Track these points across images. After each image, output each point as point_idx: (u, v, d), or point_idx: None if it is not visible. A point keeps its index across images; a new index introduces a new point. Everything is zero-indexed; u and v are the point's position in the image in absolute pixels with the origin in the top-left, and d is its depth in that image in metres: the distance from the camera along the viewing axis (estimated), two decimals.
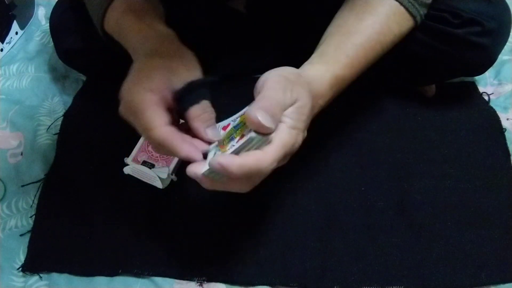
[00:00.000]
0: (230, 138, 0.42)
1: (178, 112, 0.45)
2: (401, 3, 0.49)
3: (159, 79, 0.43)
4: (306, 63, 0.48)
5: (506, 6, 0.58)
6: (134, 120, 0.42)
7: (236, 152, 0.39)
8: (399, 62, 0.60)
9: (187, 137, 0.43)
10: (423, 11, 0.51)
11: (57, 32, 0.69)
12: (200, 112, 0.43)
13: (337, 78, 0.47)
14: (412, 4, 0.49)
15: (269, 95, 0.39)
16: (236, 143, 0.40)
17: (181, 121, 0.46)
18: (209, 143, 0.44)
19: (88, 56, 0.68)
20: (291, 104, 0.40)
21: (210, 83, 0.45)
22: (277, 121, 0.38)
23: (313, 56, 0.48)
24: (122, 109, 0.43)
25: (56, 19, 0.69)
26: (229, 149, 0.40)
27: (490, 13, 0.56)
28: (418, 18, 0.51)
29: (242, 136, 0.40)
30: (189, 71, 0.45)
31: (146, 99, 0.41)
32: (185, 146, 0.41)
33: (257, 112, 0.36)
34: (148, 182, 0.60)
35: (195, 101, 0.43)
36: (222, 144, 0.43)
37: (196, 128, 0.43)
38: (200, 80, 0.44)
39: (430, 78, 0.69)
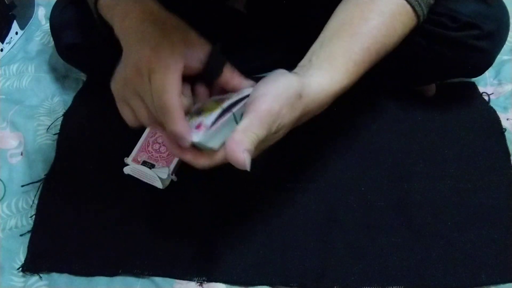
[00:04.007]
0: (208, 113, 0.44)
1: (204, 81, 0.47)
2: (408, 1, 0.47)
3: (180, 50, 0.44)
4: (315, 67, 0.46)
5: (504, 7, 0.58)
6: (143, 80, 0.42)
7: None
8: (397, 63, 0.59)
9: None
10: (426, 11, 0.50)
11: (57, 28, 0.69)
12: (232, 70, 0.46)
13: (342, 89, 0.46)
14: (418, 2, 0.48)
15: (257, 128, 0.40)
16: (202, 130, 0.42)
17: None
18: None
19: (88, 52, 0.68)
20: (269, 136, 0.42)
21: (223, 47, 0.46)
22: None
23: (322, 58, 0.46)
24: (129, 70, 0.43)
25: (56, 16, 0.69)
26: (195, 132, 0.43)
27: (488, 15, 0.55)
28: (422, 18, 0.50)
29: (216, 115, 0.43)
30: (201, 43, 0.46)
31: (171, 65, 0.42)
32: (183, 123, 0.42)
33: (243, 154, 0.38)
34: (148, 182, 0.60)
35: (223, 63, 0.46)
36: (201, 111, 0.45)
37: (237, 83, 0.46)
38: (218, 45, 0.46)
39: (427, 79, 0.69)
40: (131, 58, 0.44)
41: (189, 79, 0.46)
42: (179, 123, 0.41)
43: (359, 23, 0.47)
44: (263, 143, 0.42)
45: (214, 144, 0.43)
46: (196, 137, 0.41)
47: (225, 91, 0.47)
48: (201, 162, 0.43)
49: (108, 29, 0.50)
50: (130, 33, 0.46)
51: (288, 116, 0.42)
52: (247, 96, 0.44)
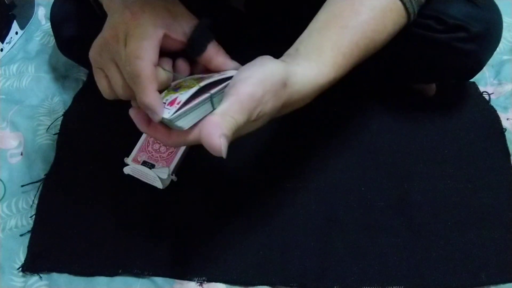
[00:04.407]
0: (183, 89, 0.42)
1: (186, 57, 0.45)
2: None
3: (163, 19, 0.42)
4: (302, 57, 0.44)
5: (495, 9, 0.56)
6: (118, 45, 0.41)
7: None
8: (385, 62, 0.58)
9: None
10: (417, 9, 0.49)
11: (57, 22, 0.68)
12: (218, 48, 0.44)
13: (329, 82, 0.45)
14: (410, 0, 0.47)
15: (237, 112, 0.37)
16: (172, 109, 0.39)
17: None
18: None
19: (88, 46, 0.68)
20: (249, 122, 0.39)
21: (211, 24, 0.45)
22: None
23: (311, 48, 0.45)
24: (106, 32, 0.42)
25: (56, 10, 0.69)
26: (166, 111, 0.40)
27: (477, 17, 0.54)
28: (412, 16, 0.49)
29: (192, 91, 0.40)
30: (188, 17, 0.45)
31: (149, 31, 0.40)
32: (155, 95, 0.40)
33: (219, 140, 0.35)
34: (148, 182, 0.60)
35: (209, 39, 0.44)
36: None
37: (220, 63, 0.44)
38: (206, 20, 0.44)
39: (418, 80, 0.68)
40: (110, 21, 0.42)
41: (173, 55, 0.44)
42: (150, 94, 0.39)
43: (349, 16, 0.46)
44: (240, 130, 0.40)
45: (184, 123, 0.39)
46: (167, 113, 0.39)
47: (209, 71, 0.45)
48: (170, 141, 0.41)
49: (104, 13, 0.49)
50: (115, 1, 0.44)
51: (270, 104, 0.39)
52: (229, 78, 0.41)
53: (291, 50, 0.46)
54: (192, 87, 0.41)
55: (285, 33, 0.70)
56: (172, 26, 0.43)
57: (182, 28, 0.44)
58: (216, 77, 0.42)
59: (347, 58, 0.45)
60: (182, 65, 0.46)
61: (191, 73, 0.46)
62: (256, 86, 0.38)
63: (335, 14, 0.46)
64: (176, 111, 0.39)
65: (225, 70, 0.44)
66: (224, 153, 0.36)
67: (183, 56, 0.45)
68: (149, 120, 0.41)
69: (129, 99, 0.43)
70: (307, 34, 0.46)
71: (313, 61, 0.44)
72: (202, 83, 0.41)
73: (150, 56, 0.40)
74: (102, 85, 0.44)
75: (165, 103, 0.40)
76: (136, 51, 0.40)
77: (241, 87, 0.38)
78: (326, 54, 0.44)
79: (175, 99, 0.40)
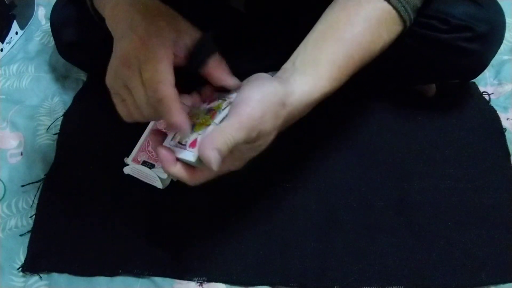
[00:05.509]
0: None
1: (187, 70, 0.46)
2: (394, 7, 0.47)
3: (169, 38, 0.43)
4: (299, 72, 0.45)
5: (498, 9, 0.57)
6: (130, 71, 0.41)
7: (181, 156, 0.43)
8: (388, 65, 0.58)
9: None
10: (413, 15, 0.49)
11: (57, 26, 0.69)
12: (219, 62, 0.45)
13: (325, 95, 0.46)
14: (405, 8, 0.47)
15: (235, 130, 0.39)
16: (187, 147, 0.43)
17: None
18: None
19: (88, 50, 0.68)
20: (250, 142, 0.41)
21: (215, 37, 0.46)
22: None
23: (307, 62, 0.46)
24: (118, 58, 0.43)
25: (56, 14, 0.69)
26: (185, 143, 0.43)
27: (481, 17, 0.54)
28: (408, 23, 0.49)
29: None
30: (191, 31, 0.45)
31: (160, 53, 0.41)
32: (181, 114, 0.41)
33: (212, 152, 0.38)
34: (148, 182, 0.60)
35: (211, 53, 0.45)
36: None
37: (218, 77, 0.45)
38: (209, 34, 0.45)
39: (421, 81, 0.69)
40: (119, 48, 0.43)
41: (176, 70, 0.45)
42: (176, 114, 0.41)
43: (345, 28, 0.46)
44: (245, 152, 0.43)
45: None
46: (191, 156, 0.42)
47: (220, 89, 0.47)
48: (194, 180, 0.44)
49: (105, 23, 0.49)
50: (118, 22, 0.45)
51: (270, 123, 0.41)
52: None
53: (288, 64, 0.47)
54: (207, 125, 0.43)
55: (284, 33, 0.70)
56: (177, 43, 0.44)
57: (185, 43, 0.44)
58: (226, 110, 0.44)
59: (342, 71, 0.46)
60: (195, 98, 0.47)
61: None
62: (255, 106, 0.40)
63: (331, 26, 0.47)
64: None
65: (225, 85, 0.46)
66: (214, 166, 0.39)
67: (186, 71, 0.46)
68: (175, 161, 0.43)
69: (145, 121, 0.45)
70: (303, 46, 0.47)
71: (309, 75, 0.45)
72: (216, 119, 0.43)
73: (169, 78, 0.41)
74: (120, 109, 0.46)
75: (185, 144, 0.43)
76: (155, 76, 0.41)
77: (241, 108, 0.41)
78: (321, 68, 0.45)
79: (195, 140, 0.43)
